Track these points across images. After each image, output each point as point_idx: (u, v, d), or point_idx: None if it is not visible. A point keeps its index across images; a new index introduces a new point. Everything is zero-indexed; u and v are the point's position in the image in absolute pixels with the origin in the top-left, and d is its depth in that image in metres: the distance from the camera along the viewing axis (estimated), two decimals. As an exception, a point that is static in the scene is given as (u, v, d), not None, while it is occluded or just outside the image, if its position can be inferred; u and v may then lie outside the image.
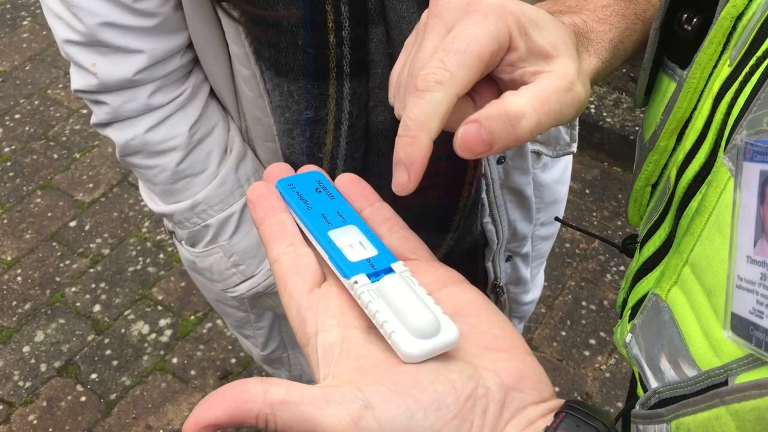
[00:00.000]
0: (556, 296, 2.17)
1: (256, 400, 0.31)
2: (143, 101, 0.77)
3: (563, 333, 2.11)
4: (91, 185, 2.44)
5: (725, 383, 0.38)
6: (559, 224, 1.21)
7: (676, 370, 0.43)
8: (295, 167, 0.75)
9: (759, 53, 0.38)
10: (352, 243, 0.37)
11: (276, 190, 0.40)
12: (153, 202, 0.87)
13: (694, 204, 0.43)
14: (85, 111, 2.66)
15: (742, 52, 0.40)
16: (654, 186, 0.52)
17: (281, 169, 0.41)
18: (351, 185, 0.42)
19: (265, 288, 0.90)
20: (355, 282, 0.35)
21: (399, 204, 0.81)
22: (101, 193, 2.42)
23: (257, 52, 0.70)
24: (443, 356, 0.33)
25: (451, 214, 0.89)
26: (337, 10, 0.66)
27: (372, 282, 0.35)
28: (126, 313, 2.11)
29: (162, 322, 2.10)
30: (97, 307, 2.12)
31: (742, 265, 0.35)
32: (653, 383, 0.46)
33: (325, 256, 0.37)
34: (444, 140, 0.38)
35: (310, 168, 0.41)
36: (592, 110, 2.47)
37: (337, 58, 0.68)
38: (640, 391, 0.49)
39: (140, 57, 0.73)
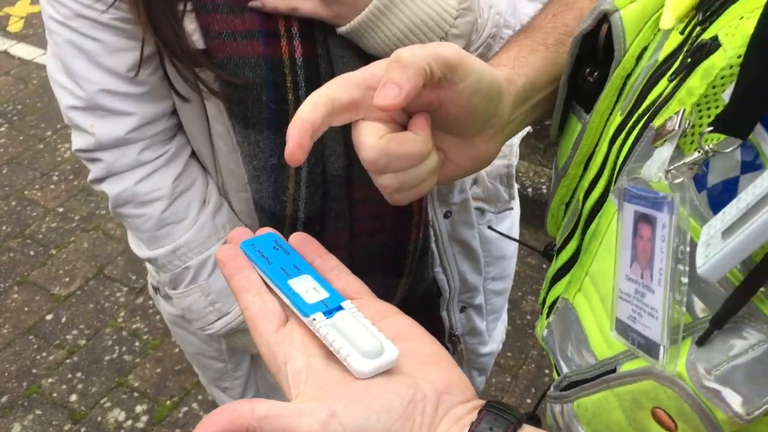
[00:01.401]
0: (519, 366, 2.26)
1: (245, 416, 0.39)
2: (134, 157, 0.90)
3: (528, 400, 2.19)
4: (67, 279, 2.52)
5: (614, 371, 0.49)
6: (511, 280, 1.32)
7: (580, 359, 0.54)
8: (264, 211, 0.89)
9: (640, 110, 0.49)
10: (307, 288, 0.46)
11: (241, 251, 0.49)
12: (140, 249, 0.99)
13: (593, 226, 0.54)
14: (61, 209, 2.77)
15: (630, 106, 0.51)
16: (567, 204, 0.63)
17: (242, 233, 0.51)
18: (302, 242, 0.51)
19: (238, 324, 1.01)
20: (314, 319, 0.44)
21: (354, 248, 0.94)
22: (77, 286, 2.50)
23: (229, 109, 0.84)
24: (388, 371, 0.42)
25: (402, 257, 1.00)
26: (294, 73, 0.80)
27: (327, 318, 0.44)
28: (102, 401, 2.15)
29: (138, 409, 2.14)
30: (73, 397, 2.16)
31: (622, 281, 0.47)
32: (564, 369, 0.57)
33: (287, 301, 0.46)
34: None
35: (266, 230, 0.52)
36: (543, 190, 2.65)
37: (295, 112, 0.82)
38: (555, 374, 0.60)
39: (132, 119, 0.87)
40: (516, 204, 1.20)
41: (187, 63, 0.78)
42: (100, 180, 0.92)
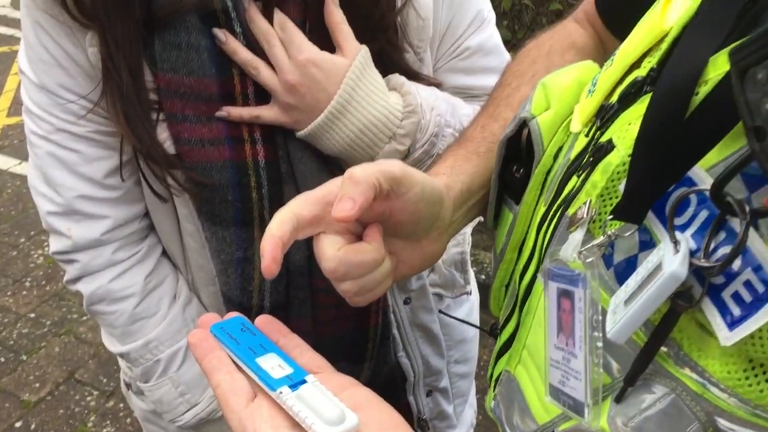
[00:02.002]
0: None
1: None
2: (108, 257, 0.95)
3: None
4: (37, 385, 2.49)
5: None
6: (475, 363, 1.36)
7: (524, 426, 0.59)
8: (232, 302, 0.94)
9: (558, 201, 0.56)
10: (273, 365, 0.50)
11: (211, 334, 0.54)
12: (113, 345, 1.02)
13: (527, 304, 0.60)
14: (32, 315, 2.77)
15: (551, 197, 0.58)
16: (507, 286, 0.69)
17: (212, 317, 0.56)
18: (267, 323, 0.57)
19: (208, 414, 1.03)
20: (280, 392, 0.48)
21: (318, 335, 0.98)
22: (47, 391, 2.47)
23: (198, 208, 0.90)
24: None
25: (363, 343, 1.04)
26: (257, 174, 0.87)
27: (292, 391, 0.48)
28: None
29: None
30: (41, 507, 2.11)
31: (552, 350, 0.53)
32: None
33: (255, 378, 0.50)
34: None
35: (233, 314, 0.57)
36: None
37: (259, 209, 0.88)
38: None
39: (106, 221, 0.92)
40: (474, 289, 1.26)
41: (161, 165, 0.85)
42: (76, 280, 0.96)
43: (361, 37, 0.84)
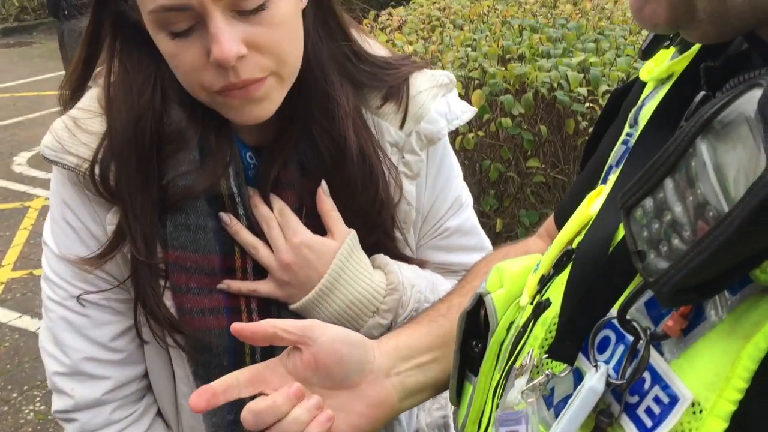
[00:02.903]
0: None
1: None
2: (107, 416, 1.00)
3: None
4: None
5: None
6: None
7: None
8: (223, 462, 0.98)
9: (505, 370, 0.64)
10: None
11: None
12: None
13: None
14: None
15: (503, 366, 0.65)
16: None
17: None
18: None
19: None
20: None
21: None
22: None
23: (194, 372, 0.97)
24: None
25: None
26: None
27: None
28: None
29: None
30: None
31: None
32: None
33: None
34: None
35: None
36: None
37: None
38: None
39: (108, 382, 0.99)
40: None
41: (164, 327, 0.93)
42: None
43: (359, 231, 0.95)
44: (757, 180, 0.35)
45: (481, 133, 2.88)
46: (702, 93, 0.52)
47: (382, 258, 0.98)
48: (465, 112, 1.01)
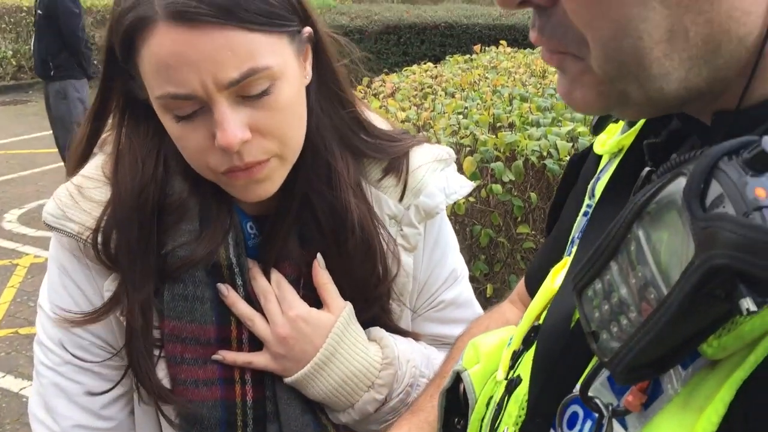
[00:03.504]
0: None
1: None
2: (93, 485, 0.99)
3: None
4: None
5: None
6: None
7: None
8: None
9: None
10: None
11: None
12: None
13: None
14: None
15: None
16: None
17: None
18: None
19: None
20: None
21: None
22: None
23: None
24: None
25: None
26: (244, 413, 0.95)
27: None
28: None
29: None
30: None
31: None
32: None
33: None
34: None
35: None
36: None
37: None
38: None
39: (98, 451, 0.98)
40: None
41: (156, 399, 0.93)
42: None
43: (356, 305, 0.96)
44: (689, 265, 0.37)
45: (472, 199, 2.92)
46: (647, 169, 0.55)
47: (378, 331, 0.98)
48: (463, 187, 1.03)
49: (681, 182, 0.40)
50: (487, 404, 0.69)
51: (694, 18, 0.43)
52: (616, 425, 0.46)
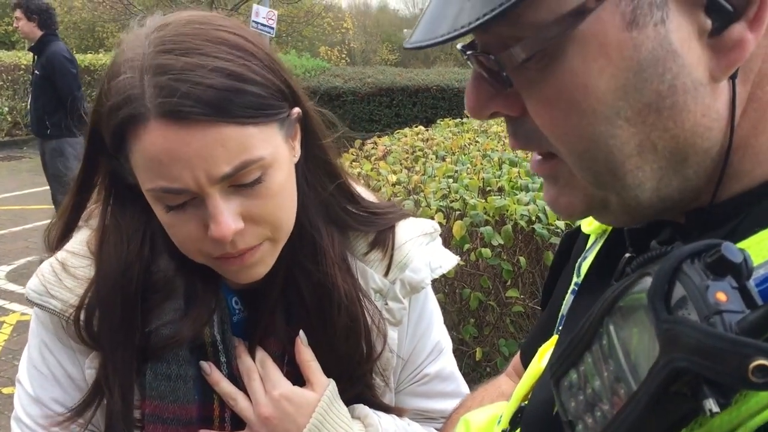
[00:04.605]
0: None
1: None
2: None
3: None
4: None
5: None
6: None
7: None
8: None
9: None
10: None
11: None
12: None
13: None
14: None
15: None
16: None
17: None
18: None
19: None
20: None
21: None
22: None
23: None
24: None
25: None
26: None
27: None
28: None
29: None
30: None
31: None
32: None
33: None
34: None
35: None
36: None
37: None
38: None
39: None
40: None
41: None
42: None
43: (339, 382, 0.96)
44: (654, 364, 0.39)
45: (461, 262, 2.93)
46: (627, 255, 0.57)
47: (362, 409, 0.98)
48: (448, 261, 1.04)
49: (647, 282, 0.41)
50: None
51: (660, 134, 0.46)
52: None
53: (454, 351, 3.35)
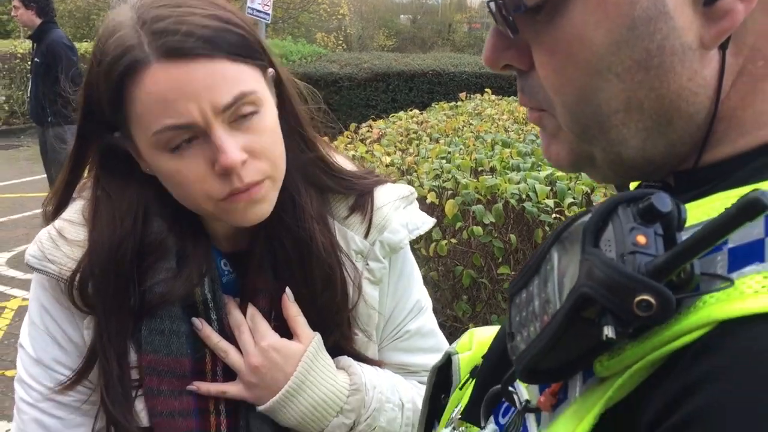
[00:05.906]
0: None
1: None
2: None
3: None
4: None
5: None
6: None
7: None
8: None
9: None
10: None
11: None
12: None
13: None
14: None
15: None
16: None
17: None
18: None
19: None
20: None
21: None
22: None
23: None
24: None
25: None
26: None
27: None
28: None
29: None
30: None
31: None
32: None
33: None
34: None
35: None
36: None
37: None
38: None
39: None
40: None
41: None
42: None
43: (320, 331, 1.01)
44: (571, 291, 0.43)
45: (454, 241, 2.98)
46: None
47: (346, 360, 1.04)
48: (425, 223, 1.09)
49: (587, 218, 0.46)
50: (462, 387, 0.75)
51: (647, 93, 0.50)
52: (531, 421, 0.52)
53: (449, 327, 3.40)
